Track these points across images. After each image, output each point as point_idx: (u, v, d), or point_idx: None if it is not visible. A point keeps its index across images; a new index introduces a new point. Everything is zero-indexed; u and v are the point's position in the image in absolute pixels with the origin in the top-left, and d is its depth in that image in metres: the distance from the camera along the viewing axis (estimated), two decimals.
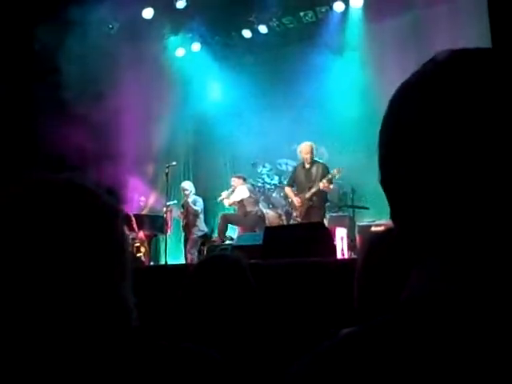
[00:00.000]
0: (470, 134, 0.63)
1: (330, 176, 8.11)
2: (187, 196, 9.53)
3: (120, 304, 0.95)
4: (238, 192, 9.38)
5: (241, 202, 9.32)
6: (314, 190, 8.18)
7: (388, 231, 1.86)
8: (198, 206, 9.60)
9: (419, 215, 0.67)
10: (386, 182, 0.73)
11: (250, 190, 9.39)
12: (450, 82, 0.66)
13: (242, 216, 9.24)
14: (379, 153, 0.74)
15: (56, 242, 0.87)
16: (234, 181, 9.55)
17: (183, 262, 9.44)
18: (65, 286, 0.87)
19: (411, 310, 0.65)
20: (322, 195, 8.28)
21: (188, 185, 9.74)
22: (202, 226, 9.65)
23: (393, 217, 0.72)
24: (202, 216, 9.68)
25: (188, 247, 9.43)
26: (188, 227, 9.59)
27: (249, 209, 9.28)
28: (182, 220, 9.79)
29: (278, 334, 2.58)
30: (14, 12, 8.12)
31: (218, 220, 9.58)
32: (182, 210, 9.74)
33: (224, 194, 9.62)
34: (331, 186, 8.26)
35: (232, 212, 9.65)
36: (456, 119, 0.64)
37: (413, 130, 0.67)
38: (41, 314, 0.86)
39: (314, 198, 8.25)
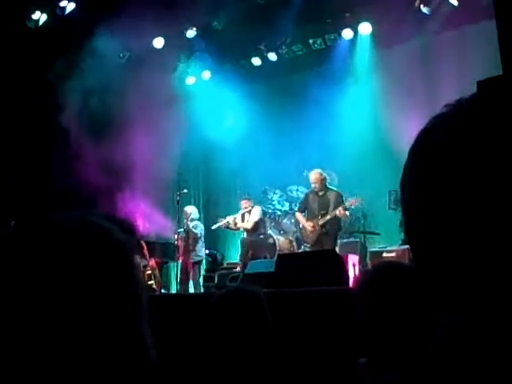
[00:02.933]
0: (503, 187, 0.61)
1: (346, 204, 8.08)
2: (188, 219, 9.49)
3: (139, 343, 0.93)
4: (255, 213, 9.35)
5: (258, 224, 9.31)
6: (328, 217, 8.13)
7: (379, 266, 1.89)
8: (199, 230, 9.58)
9: (442, 266, 0.67)
10: (411, 231, 0.71)
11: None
12: (478, 130, 0.64)
13: (263, 240, 9.20)
14: (402, 202, 0.72)
15: (68, 283, 0.86)
16: (246, 203, 9.50)
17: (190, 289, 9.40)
18: (81, 329, 0.86)
19: (444, 359, 0.66)
20: (335, 222, 8.25)
21: (191, 209, 9.69)
22: (200, 252, 9.59)
23: (417, 265, 0.72)
24: (201, 242, 9.63)
25: (190, 272, 9.34)
26: (187, 252, 9.50)
27: (263, 231, 9.27)
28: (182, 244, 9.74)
29: (293, 369, 2.56)
30: (29, 44, 8.27)
31: (243, 246, 9.49)
32: (183, 235, 9.68)
33: (230, 218, 9.58)
34: (347, 213, 8.24)
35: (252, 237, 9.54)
36: (486, 171, 0.61)
37: (438, 182, 0.65)
38: (57, 359, 0.84)
39: (328, 225, 8.21)
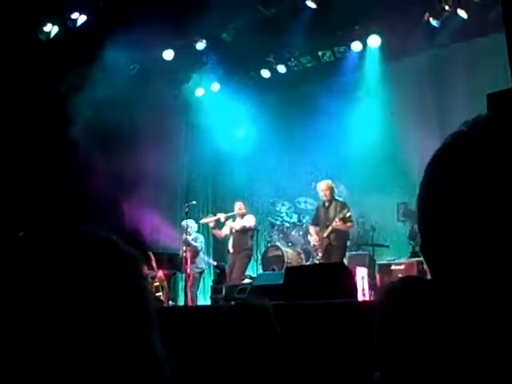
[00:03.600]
0: None
1: (341, 215, 8.08)
2: (188, 233, 9.52)
3: (149, 356, 0.92)
4: (249, 219, 9.33)
5: (247, 231, 9.29)
6: (330, 228, 8.16)
7: (403, 282, 1.88)
8: (199, 242, 9.67)
9: (459, 282, 0.66)
10: (428, 247, 0.71)
11: None
12: (496, 148, 0.64)
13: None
14: (419, 218, 0.72)
15: (75, 297, 0.86)
16: (240, 205, 9.48)
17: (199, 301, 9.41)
18: (90, 342, 0.85)
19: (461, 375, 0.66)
20: (340, 234, 8.23)
21: (189, 223, 9.71)
22: (200, 264, 9.70)
23: (435, 282, 0.71)
24: (201, 254, 9.73)
25: (188, 284, 9.34)
26: (187, 264, 9.52)
27: (250, 242, 9.25)
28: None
29: (302, 382, 2.54)
30: (40, 57, 8.34)
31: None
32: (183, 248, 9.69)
33: (222, 216, 9.58)
34: (348, 225, 8.21)
35: None
36: (505, 189, 0.62)
37: (457, 200, 0.65)
38: (66, 375, 0.83)
39: (332, 236, 8.21)
